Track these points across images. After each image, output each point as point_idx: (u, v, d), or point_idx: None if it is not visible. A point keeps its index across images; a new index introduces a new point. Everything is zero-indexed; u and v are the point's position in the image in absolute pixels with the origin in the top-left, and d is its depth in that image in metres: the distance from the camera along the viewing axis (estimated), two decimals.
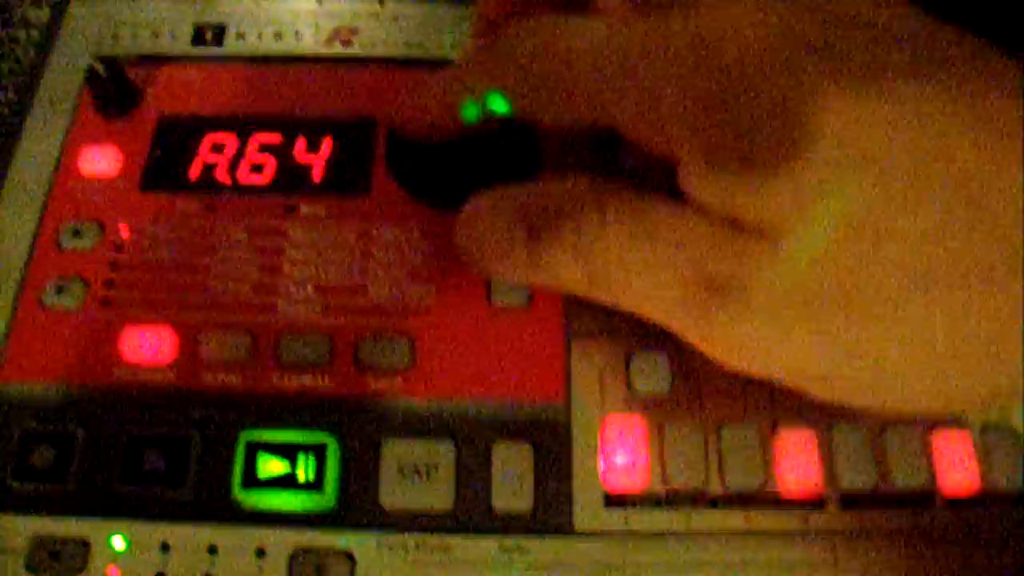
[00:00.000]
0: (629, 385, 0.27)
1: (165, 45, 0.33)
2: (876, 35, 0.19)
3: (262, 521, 0.26)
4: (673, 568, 0.25)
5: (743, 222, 0.20)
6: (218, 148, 0.31)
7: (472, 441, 0.27)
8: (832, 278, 0.19)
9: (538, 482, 0.26)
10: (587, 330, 0.28)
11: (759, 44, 0.19)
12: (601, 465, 0.27)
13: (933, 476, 0.27)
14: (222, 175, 0.30)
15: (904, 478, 0.27)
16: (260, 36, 0.33)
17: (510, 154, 0.30)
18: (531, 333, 0.28)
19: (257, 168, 0.30)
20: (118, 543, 0.25)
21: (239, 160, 0.30)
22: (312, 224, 0.29)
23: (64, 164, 0.30)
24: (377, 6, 0.33)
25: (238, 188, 0.30)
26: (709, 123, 0.20)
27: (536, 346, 0.28)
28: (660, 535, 0.26)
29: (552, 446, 0.27)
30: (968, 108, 0.18)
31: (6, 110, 0.35)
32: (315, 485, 0.26)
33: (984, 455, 0.27)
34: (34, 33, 0.40)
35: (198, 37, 0.33)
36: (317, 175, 0.30)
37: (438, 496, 0.26)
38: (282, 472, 0.26)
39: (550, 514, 0.26)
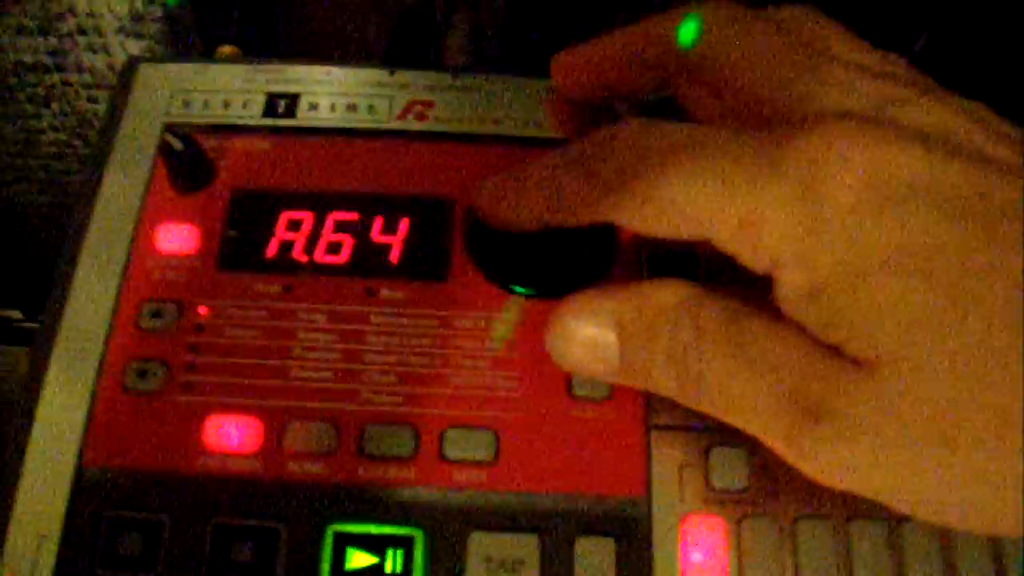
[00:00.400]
0: (707, 480, 0.28)
1: (236, 114, 0.33)
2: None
3: None
4: None
5: (844, 349, 0.20)
6: (294, 226, 0.30)
7: (556, 535, 0.27)
8: (931, 413, 0.19)
9: None
10: (666, 423, 0.29)
11: (866, 186, 0.20)
12: (681, 563, 0.27)
13: (1001, 572, 0.28)
14: (299, 254, 0.30)
15: (972, 574, 0.27)
16: (333, 108, 0.33)
17: (590, 238, 0.30)
18: (612, 426, 0.28)
19: (334, 248, 0.30)
20: None
21: (316, 239, 0.30)
22: (392, 309, 0.29)
23: (140, 239, 0.30)
24: (450, 78, 0.33)
25: (316, 268, 0.30)
26: (815, 253, 0.20)
27: (616, 439, 0.28)
28: None
29: (634, 541, 0.27)
30: None
31: (72, 159, 0.34)
32: None
33: None
34: (87, 77, 0.40)
35: (270, 107, 0.33)
36: (395, 256, 0.30)
37: None
38: (370, 565, 0.26)
39: None
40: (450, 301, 0.29)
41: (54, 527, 0.27)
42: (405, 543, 0.27)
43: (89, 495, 0.27)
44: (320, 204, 0.31)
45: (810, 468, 0.22)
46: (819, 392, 0.20)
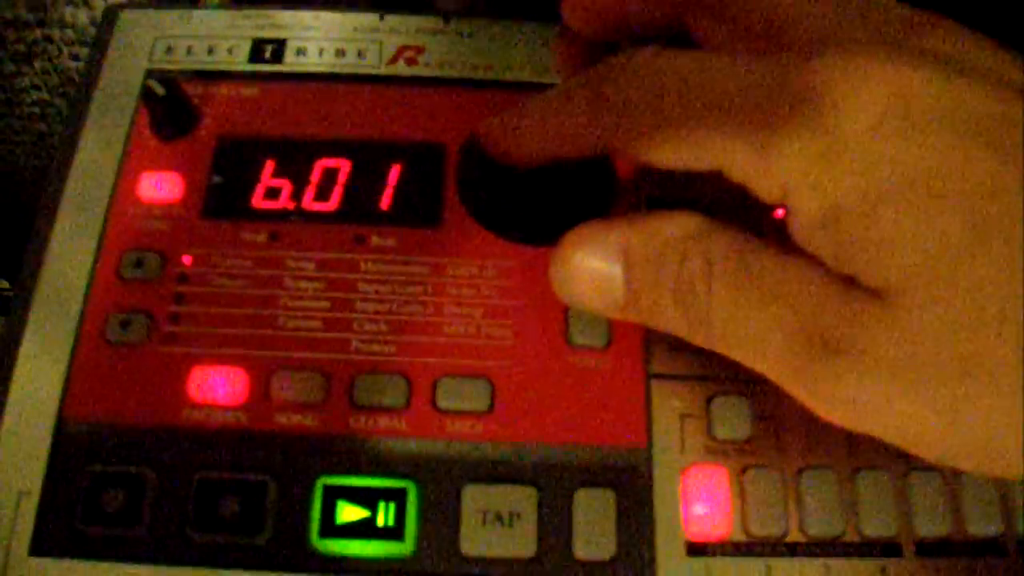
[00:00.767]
0: (710, 430, 0.27)
1: (221, 61, 0.32)
2: None
3: (341, 568, 0.25)
4: None
5: (860, 280, 0.19)
6: (281, 173, 0.29)
7: (554, 487, 0.26)
8: (951, 344, 0.18)
9: (620, 530, 0.26)
10: (666, 371, 0.28)
11: (885, 110, 0.19)
12: (683, 514, 0.26)
13: (1009, 523, 0.27)
14: (286, 201, 0.29)
15: (979, 525, 0.27)
16: (321, 53, 0.32)
17: (587, 183, 0.29)
18: (611, 375, 0.27)
19: (323, 195, 0.29)
20: None
21: (304, 186, 0.29)
22: (383, 256, 0.28)
23: (122, 189, 0.29)
24: (441, 23, 0.32)
25: (303, 215, 0.29)
26: (830, 177, 0.19)
27: (616, 388, 0.27)
28: None
29: (634, 493, 0.26)
30: None
31: (56, 120, 0.33)
32: (395, 532, 0.25)
33: None
34: (69, 33, 0.39)
35: (256, 53, 0.32)
36: (386, 203, 0.29)
37: (520, 543, 0.26)
38: (361, 518, 0.25)
39: (632, 562, 0.26)
40: (443, 248, 0.29)
41: (34, 483, 0.26)
42: (397, 496, 0.26)
43: (71, 450, 0.26)
44: (308, 150, 0.30)
45: (823, 407, 0.21)
46: (832, 325, 0.20)
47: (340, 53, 0.32)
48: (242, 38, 0.32)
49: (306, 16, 0.32)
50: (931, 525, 0.27)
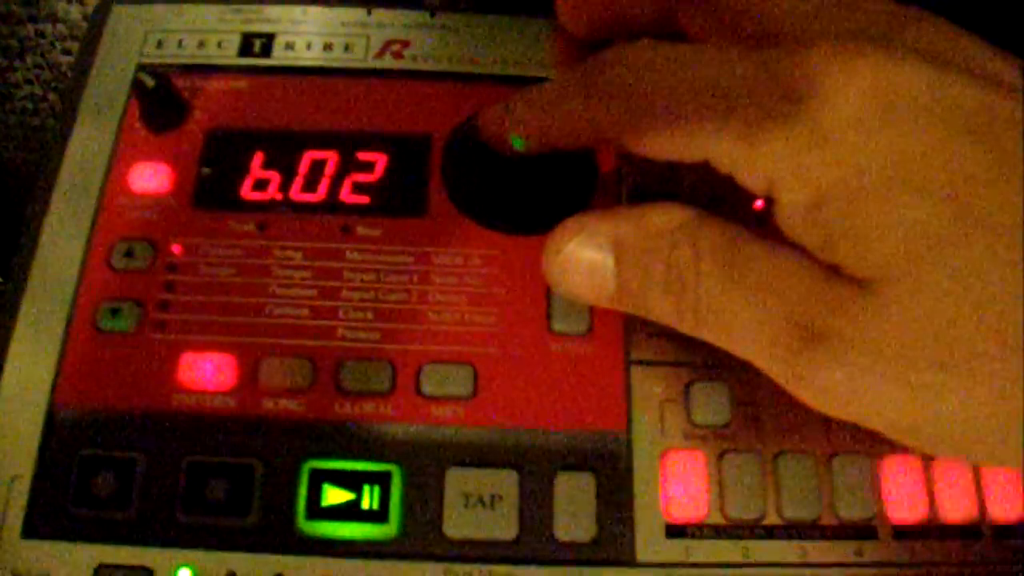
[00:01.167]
0: (689, 415, 0.28)
1: (211, 54, 0.32)
2: None
3: (327, 550, 0.26)
4: None
5: (844, 269, 0.20)
6: (270, 164, 0.30)
7: (535, 471, 0.27)
8: (933, 333, 0.19)
9: (600, 512, 0.26)
10: (646, 357, 0.28)
11: (869, 101, 0.19)
12: (662, 497, 0.27)
13: (982, 507, 0.27)
14: (274, 192, 0.30)
15: (954, 509, 0.27)
16: (309, 47, 0.32)
17: (569, 176, 0.30)
18: (591, 361, 0.28)
19: (310, 185, 0.30)
20: (184, 575, 0.25)
21: (292, 177, 0.30)
22: (369, 246, 0.29)
23: (113, 180, 0.30)
24: (428, 17, 0.33)
25: (291, 205, 0.30)
26: (816, 167, 0.20)
27: (596, 374, 0.28)
28: (719, 566, 0.26)
29: (614, 476, 0.27)
30: None
31: (48, 114, 0.34)
32: (379, 514, 0.26)
33: None
34: (61, 28, 0.39)
35: (245, 47, 0.32)
36: (372, 193, 0.30)
37: (502, 526, 0.26)
38: (346, 501, 0.26)
39: (612, 544, 0.26)
40: (427, 237, 0.29)
41: (26, 467, 0.26)
42: (382, 479, 0.26)
43: (62, 435, 0.27)
44: (296, 142, 0.30)
45: (809, 395, 0.21)
46: (818, 314, 0.20)
47: (328, 47, 0.32)
48: (231, 32, 0.33)
49: (295, 11, 0.33)
50: (907, 508, 0.27)
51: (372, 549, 0.26)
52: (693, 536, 0.27)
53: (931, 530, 0.27)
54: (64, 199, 0.30)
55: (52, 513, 0.26)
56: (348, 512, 0.26)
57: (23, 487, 0.26)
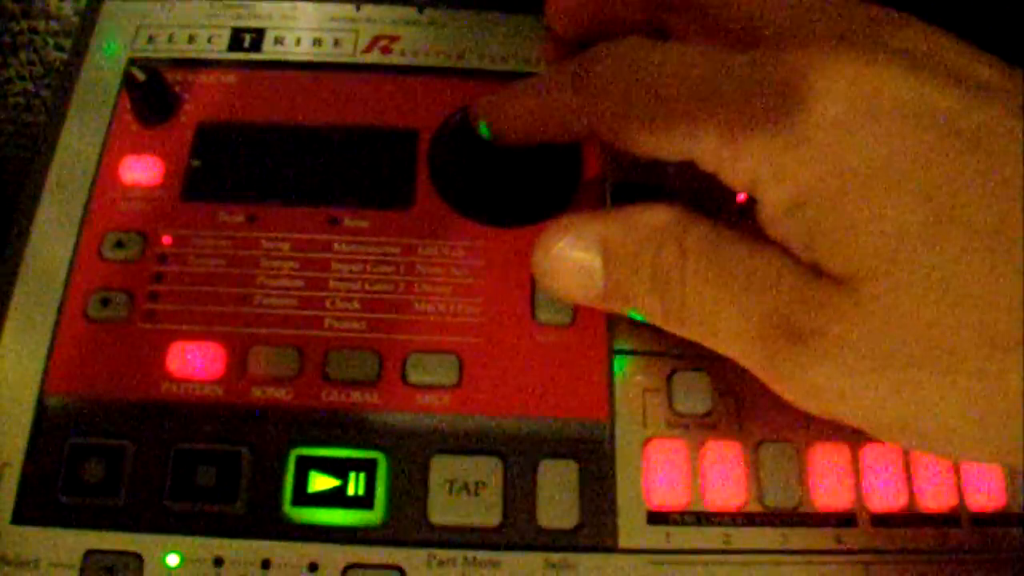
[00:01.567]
0: (671, 404, 0.28)
1: (202, 49, 0.33)
2: None
3: (313, 536, 0.26)
4: None
5: (824, 268, 0.20)
6: (259, 157, 0.30)
7: (519, 458, 0.27)
8: (911, 331, 0.19)
9: (583, 499, 0.27)
10: (629, 347, 0.29)
11: (849, 102, 0.20)
12: (644, 485, 0.27)
13: (960, 495, 0.28)
14: (263, 185, 0.30)
15: (932, 498, 0.28)
16: (298, 42, 0.33)
17: (554, 170, 0.30)
18: (575, 351, 0.28)
19: (299, 178, 0.30)
20: (173, 560, 0.25)
21: (280, 170, 0.30)
22: (356, 237, 0.29)
23: (104, 172, 0.30)
24: (416, 13, 0.33)
25: (280, 198, 0.30)
26: (796, 167, 0.20)
27: (580, 363, 0.28)
28: (701, 552, 0.27)
29: (596, 464, 0.27)
30: None
31: (41, 110, 0.34)
32: (365, 501, 0.26)
33: (1009, 475, 0.28)
34: (54, 24, 0.40)
35: (235, 41, 0.33)
36: (359, 186, 0.30)
37: (486, 512, 0.26)
38: (332, 488, 0.26)
39: (595, 531, 0.27)
40: (414, 229, 0.30)
41: (16, 455, 0.27)
42: (368, 466, 0.27)
43: (52, 423, 0.27)
44: (285, 135, 0.31)
45: (791, 393, 0.22)
46: (799, 312, 0.20)
47: (317, 42, 0.33)
48: (222, 27, 0.33)
49: (284, 6, 0.33)
50: (885, 497, 0.28)
51: (358, 535, 0.26)
52: (675, 523, 0.27)
53: (910, 518, 0.28)
54: (55, 190, 0.30)
55: (42, 500, 0.26)
56: (334, 498, 0.26)
57: (13, 474, 0.26)
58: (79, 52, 0.32)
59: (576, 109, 0.24)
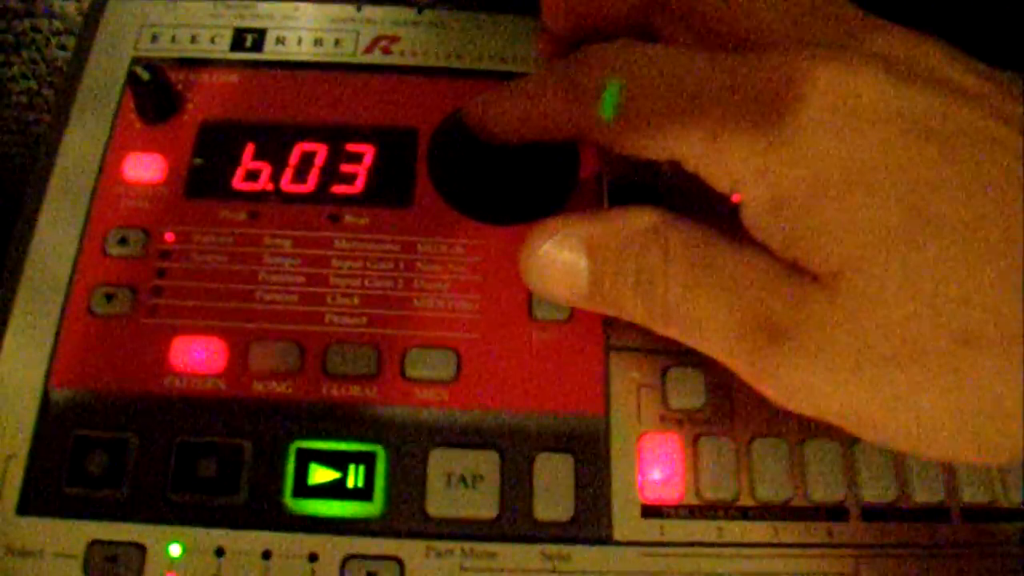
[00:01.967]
0: (665, 399, 0.29)
1: (204, 49, 0.33)
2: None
3: (313, 527, 0.26)
4: None
5: (803, 266, 0.21)
6: (261, 155, 0.31)
7: (515, 452, 0.28)
8: (887, 329, 0.19)
9: (578, 492, 0.27)
10: (625, 344, 0.29)
11: (829, 105, 0.20)
12: (638, 479, 0.28)
13: (951, 490, 0.28)
14: (265, 183, 0.31)
15: (923, 492, 0.28)
16: (300, 42, 0.33)
17: (551, 169, 0.31)
18: (571, 347, 0.29)
19: (300, 176, 0.31)
20: (175, 550, 0.26)
21: (282, 168, 0.31)
22: (356, 234, 0.30)
23: (108, 169, 0.31)
24: (416, 14, 0.34)
25: (282, 196, 0.30)
26: (777, 168, 0.21)
27: (576, 359, 0.29)
28: (694, 545, 0.27)
29: (592, 458, 0.28)
30: None
31: (44, 109, 0.35)
32: (364, 493, 0.27)
33: (999, 471, 0.29)
34: (57, 23, 0.40)
35: (237, 42, 0.33)
36: (360, 185, 0.31)
37: (483, 505, 0.27)
38: (332, 480, 0.27)
39: (590, 523, 0.27)
40: (413, 227, 0.30)
41: (22, 447, 0.27)
42: (367, 459, 0.27)
43: (57, 415, 0.27)
44: (286, 134, 0.31)
45: (772, 391, 0.22)
46: (779, 311, 0.21)
47: (318, 42, 0.33)
48: (224, 27, 0.33)
49: (286, 6, 0.34)
50: (877, 491, 0.28)
51: (357, 526, 0.27)
52: (668, 516, 0.27)
53: (901, 512, 0.28)
54: (59, 188, 0.30)
55: (47, 491, 0.27)
56: (334, 491, 0.27)
57: (19, 466, 0.27)
58: (83, 51, 0.33)
59: (565, 109, 0.25)
